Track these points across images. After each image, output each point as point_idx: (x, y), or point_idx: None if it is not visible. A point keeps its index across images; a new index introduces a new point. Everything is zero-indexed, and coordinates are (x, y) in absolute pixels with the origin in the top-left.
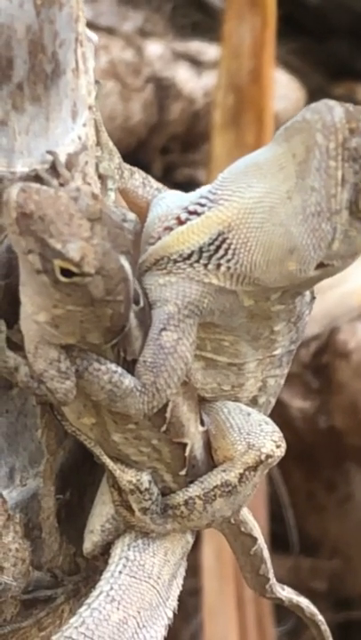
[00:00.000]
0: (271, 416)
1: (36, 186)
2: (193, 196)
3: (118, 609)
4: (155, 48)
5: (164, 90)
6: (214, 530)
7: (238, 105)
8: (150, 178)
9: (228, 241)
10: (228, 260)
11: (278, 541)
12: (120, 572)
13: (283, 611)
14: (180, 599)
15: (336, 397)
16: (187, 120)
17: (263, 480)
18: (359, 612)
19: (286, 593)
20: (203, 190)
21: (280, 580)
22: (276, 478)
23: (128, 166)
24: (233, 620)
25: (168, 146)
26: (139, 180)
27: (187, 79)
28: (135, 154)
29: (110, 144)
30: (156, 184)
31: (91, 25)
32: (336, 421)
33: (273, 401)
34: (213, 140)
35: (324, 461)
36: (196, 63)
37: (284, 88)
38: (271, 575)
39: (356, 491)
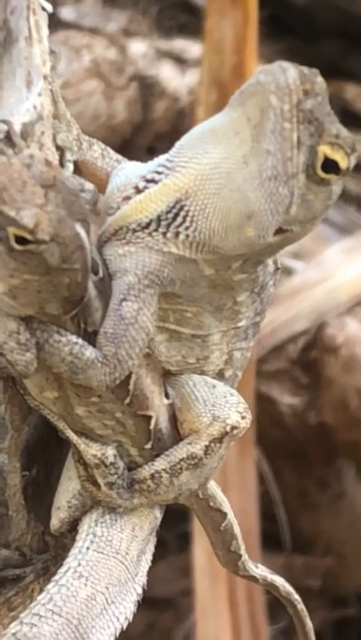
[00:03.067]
0: (261, 413)
1: None
2: (151, 164)
3: (86, 585)
4: (138, 47)
5: (147, 88)
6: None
7: (222, 101)
8: (110, 149)
9: (185, 208)
10: (187, 228)
11: (271, 540)
12: (87, 549)
13: (276, 609)
14: (173, 600)
15: (325, 393)
16: (172, 118)
17: (254, 478)
18: (354, 609)
19: (260, 571)
20: (160, 159)
21: None
22: (268, 476)
23: (87, 138)
24: (226, 620)
25: (154, 145)
26: (98, 152)
27: (171, 77)
28: (120, 153)
29: (68, 115)
30: (115, 155)
31: (74, 26)
32: (326, 417)
33: (240, 374)
34: None
35: (315, 458)
36: (180, 61)
37: None
38: (243, 552)
39: (348, 487)
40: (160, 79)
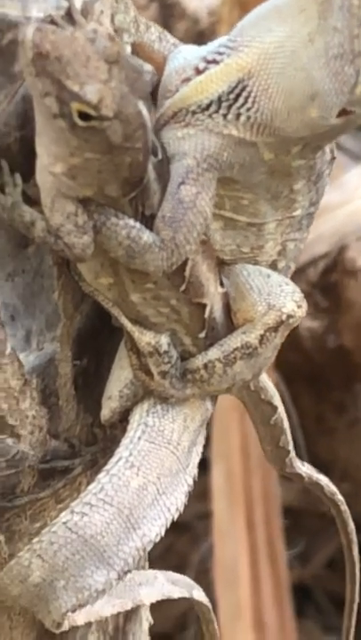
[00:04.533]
0: None
1: (51, 26)
2: (212, 45)
3: (138, 475)
4: None
5: (168, 9)
6: (224, 452)
7: None
8: (167, 33)
9: (248, 88)
10: (248, 109)
11: None
12: (139, 438)
13: (293, 534)
14: (190, 523)
15: (345, 316)
16: (191, 40)
17: None
18: None
19: (306, 469)
20: (222, 39)
21: (290, 505)
22: (286, 401)
23: (144, 20)
24: (243, 544)
25: None
26: (155, 35)
27: None
28: None
29: None
30: (172, 39)
31: None
32: (345, 340)
33: (292, 267)
34: None
35: (333, 382)
36: None
37: None
38: (291, 448)
39: None
40: (180, 0)
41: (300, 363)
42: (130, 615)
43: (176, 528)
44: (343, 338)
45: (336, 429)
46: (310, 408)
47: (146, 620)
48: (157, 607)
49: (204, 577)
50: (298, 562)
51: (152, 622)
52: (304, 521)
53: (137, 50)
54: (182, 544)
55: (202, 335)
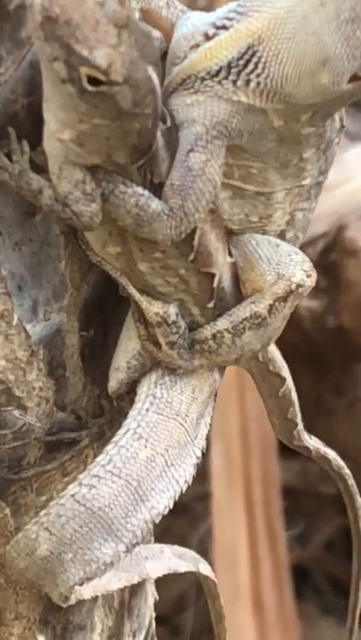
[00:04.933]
0: None
1: None
2: (220, 11)
3: (146, 446)
4: None
5: None
6: (222, 433)
7: None
8: None
9: (258, 54)
10: (258, 75)
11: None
12: (147, 410)
13: (292, 514)
14: (188, 504)
15: (344, 296)
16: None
17: None
18: None
19: (314, 442)
20: (231, 5)
21: (289, 485)
22: None
23: None
24: (242, 525)
25: None
26: (163, 1)
27: None
28: None
29: None
30: (180, 6)
31: None
32: (345, 320)
33: (301, 237)
34: None
35: (332, 362)
36: None
37: None
38: (299, 420)
39: None
40: None
41: (300, 343)
42: (135, 590)
43: (174, 509)
44: (343, 318)
45: (335, 410)
46: (309, 388)
47: (151, 595)
48: (155, 589)
49: (202, 558)
50: (297, 543)
51: (157, 598)
52: (303, 502)
53: (145, 16)
54: (181, 525)
55: (210, 305)
